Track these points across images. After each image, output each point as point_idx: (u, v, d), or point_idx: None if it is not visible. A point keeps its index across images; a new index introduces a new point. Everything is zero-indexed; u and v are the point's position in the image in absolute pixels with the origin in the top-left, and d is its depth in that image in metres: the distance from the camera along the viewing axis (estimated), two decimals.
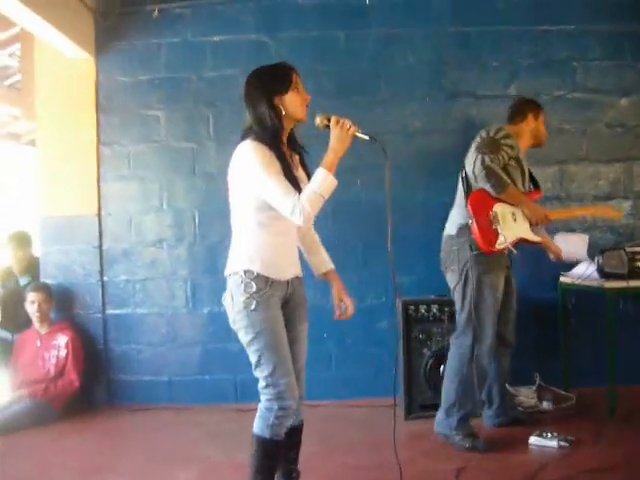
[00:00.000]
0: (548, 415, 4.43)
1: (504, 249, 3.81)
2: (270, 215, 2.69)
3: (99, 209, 5.14)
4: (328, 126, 2.71)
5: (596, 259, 4.38)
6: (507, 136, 3.96)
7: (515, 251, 3.83)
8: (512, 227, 3.89)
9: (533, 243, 4.05)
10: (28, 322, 5.10)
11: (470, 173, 3.89)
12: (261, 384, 2.72)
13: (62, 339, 4.96)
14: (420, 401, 4.50)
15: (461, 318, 3.96)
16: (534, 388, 4.73)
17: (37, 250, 5.40)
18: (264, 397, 2.72)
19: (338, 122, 2.68)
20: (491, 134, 3.94)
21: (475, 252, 3.82)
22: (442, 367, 4.26)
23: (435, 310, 4.53)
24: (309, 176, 2.81)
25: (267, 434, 2.71)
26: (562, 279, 4.77)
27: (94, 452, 4.15)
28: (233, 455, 3.75)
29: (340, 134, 2.67)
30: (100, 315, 5.12)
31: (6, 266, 5.67)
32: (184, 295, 5.12)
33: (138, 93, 5.12)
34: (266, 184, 2.61)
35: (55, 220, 5.13)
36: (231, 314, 2.74)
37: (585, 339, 4.87)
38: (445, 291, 4.24)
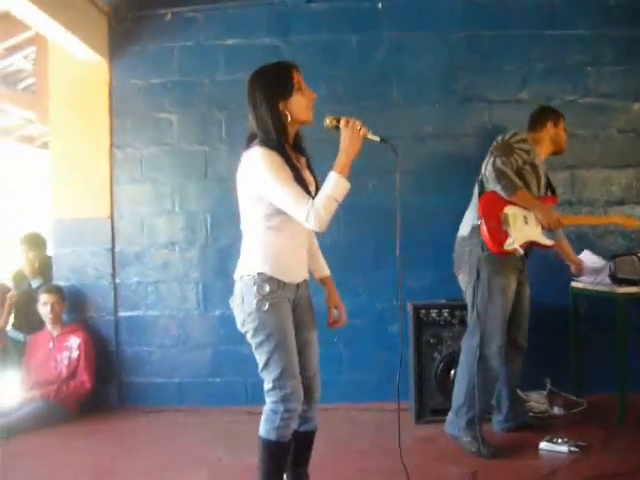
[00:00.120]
0: (559, 420, 4.42)
1: (513, 250, 3.81)
2: (281, 219, 2.69)
3: (112, 212, 5.16)
4: (337, 127, 2.69)
5: (608, 265, 4.38)
6: (522, 141, 3.96)
7: (522, 252, 3.82)
8: (522, 229, 3.89)
9: (545, 247, 4.04)
10: (41, 324, 5.14)
11: (483, 175, 3.91)
12: (267, 386, 2.73)
13: (74, 341, 4.98)
14: (431, 405, 4.50)
15: (471, 319, 3.98)
16: (545, 393, 4.72)
17: (50, 252, 5.43)
18: (270, 399, 2.73)
19: (348, 123, 2.66)
20: (506, 138, 3.97)
21: (486, 253, 3.84)
22: (453, 371, 4.26)
23: (446, 314, 4.53)
24: (315, 178, 2.82)
25: (273, 436, 2.72)
26: (574, 284, 4.76)
27: (105, 453, 4.16)
28: (243, 457, 3.76)
29: (351, 136, 2.65)
30: (112, 317, 5.14)
31: (18, 268, 5.71)
32: (195, 298, 5.13)
33: (151, 96, 5.15)
34: (279, 191, 2.60)
35: (68, 222, 5.16)
36: (240, 316, 2.74)
37: (596, 345, 4.86)
38: (456, 295, 4.24)
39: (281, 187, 2.59)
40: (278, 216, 2.68)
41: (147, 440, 4.45)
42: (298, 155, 2.82)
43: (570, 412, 4.53)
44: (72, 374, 4.95)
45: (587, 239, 4.96)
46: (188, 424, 4.74)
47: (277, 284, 2.71)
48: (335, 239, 4.83)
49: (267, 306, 2.67)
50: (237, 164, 2.78)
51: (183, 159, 5.15)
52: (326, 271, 3.06)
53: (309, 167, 2.87)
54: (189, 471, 3.77)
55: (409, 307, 4.62)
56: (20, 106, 8.85)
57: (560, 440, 3.84)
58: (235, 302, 2.76)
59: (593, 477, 3.43)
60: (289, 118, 2.69)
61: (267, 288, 2.68)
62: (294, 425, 2.77)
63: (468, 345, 3.96)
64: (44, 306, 5.00)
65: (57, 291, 5.04)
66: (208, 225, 5.12)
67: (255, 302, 2.67)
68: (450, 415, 4.01)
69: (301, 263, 2.87)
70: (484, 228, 3.82)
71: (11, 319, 5.45)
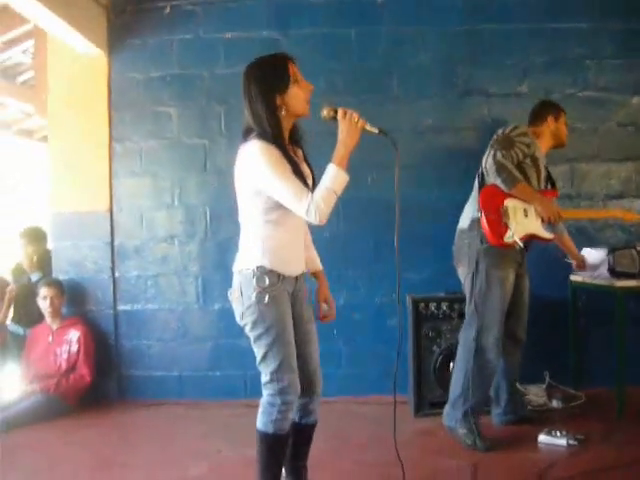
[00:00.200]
0: (557, 414, 4.43)
1: (513, 243, 3.82)
2: (280, 213, 2.69)
3: (111, 205, 5.16)
4: (335, 118, 2.66)
5: (607, 258, 4.38)
6: (523, 134, 3.97)
7: (521, 244, 3.83)
8: (522, 222, 3.89)
9: (545, 240, 4.05)
10: (40, 317, 5.14)
11: (483, 168, 3.91)
12: (265, 379, 2.73)
13: (74, 334, 4.99)
14: (430, 398, 4.50)
15: (469, 311, 3.99)
16: (544, 387, 4.73)
17: (50, 246, 5.44)
18: (267, 392, 2.73)
19: (345, 114, 2.64)
20: (506, 132, 3.97)
21: (485, 245, 3.84)
22: (452, 365, 4.26)
23: (445, 307, 4.54)
24: (312, 170, 2.81)
25: (271, 429, 2.72)
26: (573, 277, 4.77)
27: (104, 446, 4.17)
28: (243, 450, 3.77)
29: (349, 128, 2.63)
30: (111, 311, 5.15)
31: (17, 262, 5.71)
32: (195, 291, 5.14)
33: (150, 90, 5.14)
34: (278, 186, 2.60)
35: (67, 216, 5.15)
36: (239, 309, 2.73)
37: (595, 338, 4.88)
38: (455, 288, 4.25)
39: (280, 181, 2.59)
40: (277, 210, 2.68)
41: (147, 433, 4.46)
42: (295, 148, 2.81)
43: (569, 405, 4.54)
44: (72, 367, 4.95)
45: (586, 232, 4.97)
46: (188, 417, 4.75)
47: (277, 277, 2.70)
48: (334, 233, 4.84)
49: (267, 299, 2.66)
50: (236, 157, 2.78)
51: (182, 153, 5.15)
52: (319, 265, 3.06)
53: (306, 160, 2.87)
54: (189, 464, 3.78)
55: (408, 300, 4.62)
56: (19, 99, 8.86)
57: (559, 433, 3.85)
58: (234, 295, 2.75)
59: (592, 470, 3.44)
60: (284, 113, 2.68)
61: (267, 281, 2.68)
62: (292, 417, 2.78)
63: (465, 337, 3.97)
64: (44, 300, 5.00)
65: (56, 285, 5.04)
66: (207, 218, 5.12)
67: (255, 295, 2.67)
68: (447, 407, 4.02)
69: (299, 256, 2.87)
70: (484, 221, 3.82)
71: (10, 313, 5.45)
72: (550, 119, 4.17)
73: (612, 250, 4.38)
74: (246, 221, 2.78)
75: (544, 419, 4.26)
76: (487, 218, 3.82)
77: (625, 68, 5.04)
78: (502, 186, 3.83)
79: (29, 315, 5.33)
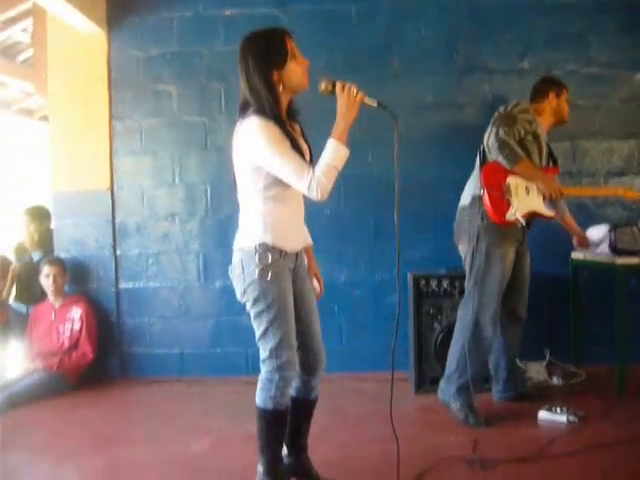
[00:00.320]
0: (557, 391, 4.45)
1: (515, 221, 3.82)
2: (280, 189, 2.67)
3: (112, 184, 5.16)
4: (333, 92, 2.63)
5: (609, 235, 4.38)
6: (525, 111, 3.95)
7: (524, 222, 3.83)
8: (524, 200, 3.89)
9: (546, 217, 4.05)
10: (42, 295, 5.16)
11: (485, 145, 3.90)
12: (264, 355, 2.73)
13: (76, 312, 5.01)
14: (430, 375, 4.52)
15: (468, 287, 3.99)
16: (544, 364, 4.74)
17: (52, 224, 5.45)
18: (265, 368, 2.73)
19: (344, 88, 2.61)
20: (508, 109, 3.96)
21: (486, 222, 3.84)
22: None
23: (446, 285, 4.55)
24: (309, 146, 2.79)
25: (270, 405, 2.73)
26: (574, 255, 4.76)
27: (107, 423, 4.21)
28: (244, 426, 3.78)
29: (348, 102, 2.59)
30: (113, 288, 5.16)
31: (19, 241, 5.72)
32: (196, 269, 5.15)
33: (150, 67, 5.12)
34: (278, 162, 2.58)
35: (68, 195, 5.16)
36: (240, 285, 2.72)
37: (596, 316, 4.87)
38: (456, 265, 4.25)
39: (280, 158, 2.57)
40: (276, 186, 2.67)
41: (149, 410, 4.49)
42: (292, 123, 2.78)
43: (569, 383, 4.56)
44: (74, 345, 4.98)
45: (587, 209, 4.96)
46: (189, 394, 4.77)
47: (279, 253, 2.70)
48: (335, 210, 4.83)
49: (270, 275, 2.65)
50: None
51: (182, 130, 5.14)
52: (309, 239, 3.01)
53: (303, 135, 2.84)
54: (191, 440, 3.80)
55: (409, 277, 4.63)
56: (19, 78, 8.82)
57: (559, 410, 3.87)
58: (234, 272, 2.74)
59: (592, 446, 3.45)
60: (281, 89, 2.65)
61: (269, 258, 2.67)
62: (290, 393, 2.79)
63: (463, 313, 3.98)
64: (46, 278, 5.02)
65: (59, 263, 5.06)
66: (208, 196, 5.12)
67: (257, 272, 2.65)
68: (442, 381, 4.05)
69: (300, 231, 2.87)
70: (486, 198, 3.82)
71: (13, 291, 5.47)
72: (552, 96, 4.14)
73: (613, 227, 4.37)
74: (246, 198, 2.76)
75: (544, 396, 4.27)
76: (489, 195, 3.82)
77: (628, 44, 5.00)
78: (504, 163, 3.82)
79: (31, 293, 5.34)
